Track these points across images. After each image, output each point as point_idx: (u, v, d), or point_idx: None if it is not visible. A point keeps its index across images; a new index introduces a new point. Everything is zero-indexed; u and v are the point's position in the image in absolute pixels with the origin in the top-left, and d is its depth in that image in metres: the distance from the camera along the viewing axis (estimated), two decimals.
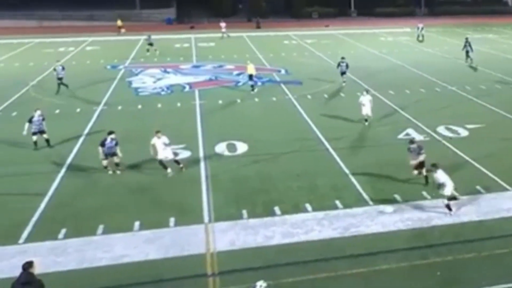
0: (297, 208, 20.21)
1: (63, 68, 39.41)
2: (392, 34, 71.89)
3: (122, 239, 17.99)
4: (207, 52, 57.97)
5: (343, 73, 40.63)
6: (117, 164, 23.67)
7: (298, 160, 25.20)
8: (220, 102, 35.85)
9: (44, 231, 18.60)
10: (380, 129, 29.81)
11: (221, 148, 26.68)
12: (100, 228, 18.64)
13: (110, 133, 23.71)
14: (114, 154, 23.51)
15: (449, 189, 19.35)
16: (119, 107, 34.57)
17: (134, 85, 41.46)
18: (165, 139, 23.30)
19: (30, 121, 26.79)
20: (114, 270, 16.28)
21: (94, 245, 17.62)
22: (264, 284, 13.17)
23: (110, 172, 23.53)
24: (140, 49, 58.48)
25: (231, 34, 69.28)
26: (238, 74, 45.15)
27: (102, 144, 23.39)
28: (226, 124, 30.81)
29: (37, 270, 13.36)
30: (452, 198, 19.56)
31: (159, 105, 34.94)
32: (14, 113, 33.60)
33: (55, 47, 59.87)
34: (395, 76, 44.09)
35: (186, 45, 62.60)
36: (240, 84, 41.66)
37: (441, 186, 19.38)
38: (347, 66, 40.68)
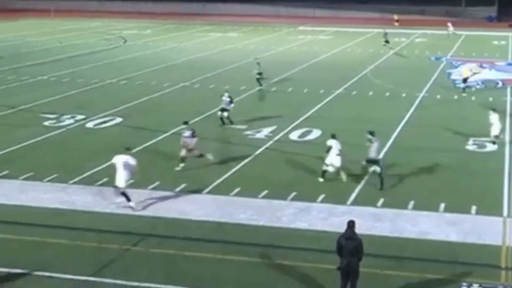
0: None
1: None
2: None
3: (428, 217, 17.56)
4: None
5: None
6: None
7: None
8: None
9: (367, 198, 18.89)
10: None
11: None
12: (411, 203, 18.40)
13: None
14: None
15: None
16: (438, 96, 33.89)
17: (453, 76, 40.01)
18: None
19: None
20: (418, 244, 15.91)
21: (404, 218, 17.47)
22: None
23: None
24: (461, 44, 56.44)
25: None
26: None
27: None
28: None
29: (357, 229, 13.26)
30: None
31: (473, 98, 33.58)
32: (354, 92, 34.73)
33: (392, 37, 59.99)
34: None
35: (503, 42, 58.84)
36: None
37: None
38: None
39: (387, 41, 51.29)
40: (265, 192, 19.31)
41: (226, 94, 27.15)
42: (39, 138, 25.17)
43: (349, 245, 12.77)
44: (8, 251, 15.35)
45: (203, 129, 26.92)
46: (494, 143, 24.55)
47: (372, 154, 20.19)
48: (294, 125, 27.22)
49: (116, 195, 18.44)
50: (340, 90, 35.17)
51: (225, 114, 27.15)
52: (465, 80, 34.97)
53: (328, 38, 60.34)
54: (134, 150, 23.23)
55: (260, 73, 35.96)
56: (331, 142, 20.65)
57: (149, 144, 24.60)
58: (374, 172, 20.32)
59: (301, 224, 17.11)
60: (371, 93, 34.30)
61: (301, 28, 69.02)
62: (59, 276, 14.07)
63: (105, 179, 20.29)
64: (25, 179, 20.41)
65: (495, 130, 24.42)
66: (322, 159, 20.75)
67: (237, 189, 19.52)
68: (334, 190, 19.53)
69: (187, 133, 21.86)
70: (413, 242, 16.06)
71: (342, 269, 12.84)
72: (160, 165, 22.10)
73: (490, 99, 32.88)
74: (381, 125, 26.44)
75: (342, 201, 18.69)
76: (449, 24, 61.42)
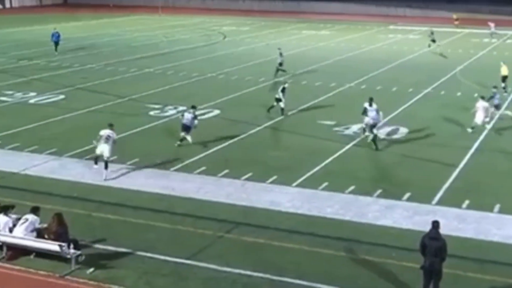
0: None
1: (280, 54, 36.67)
2: None
3: None
4: None
5: None
6: None
7: None
8: None
9: (452, 199, 18.25)
10: None
11: None
12: (497, 207, 17.61)
13: None
14: None
15: None
16: None
17: None
18: None
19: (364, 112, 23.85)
20: (503, 248, 15.24)
21: (489, 221, 16.75)
22: None
23: None
24: None
25: None
26: None
27: None
28: None
29: (441, 230, 12.72)
30: None
31: None
32: (442, 92, 33.72)
33: (481, 38, 57.75)
34: None
35: None
36: None
37: None
38: None
39: (433, 40, 49.20)
40: (352, 187, 19.09)
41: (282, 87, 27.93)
42: (144, 127, 25.96)
43: (433, 245, 12.44)
44: (115, 231, 15.95)
45: (293, 123, 27.02)
46: (473, 128, 25.01)
47: (371, 121, 23.29)
48: (382, 122, 26.69)
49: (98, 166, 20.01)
50: (429, 89, 34.19)
51: (281, 104, 27.59)
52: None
53: (418, 37, 58.70)
54: (228, 142, 23.69)
55: (280, 64, 36.58)
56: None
57: (244, 136, 24.83)
58: (372, 137, 23.08)
59: (386, 221, 16.80)
60: (459, 93, 33.15)
61: (391, 27, 67.54)
62: (159, 258, 14.49)
63: (203, 168, 20.68)
64: (131, 164, 21.10)
65: (479, 118, 24.73)
66: (409, 157, 20.31)
67: (325, 184, 19.39)
68: (420, 189, 19.03)
69: (189, 115, 23.05)
70: (498, 246, 15.41)
71: (425, 269, 12.53)
72: (253, 157, 22.26)
73: None
74: (468, 126, 25.55)
75: (427, 200, 18.17)
76: (491, 24, 58.23)
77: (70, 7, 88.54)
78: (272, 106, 27.86)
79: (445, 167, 21.09)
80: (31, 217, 14.72)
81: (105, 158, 19.66)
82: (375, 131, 23.37)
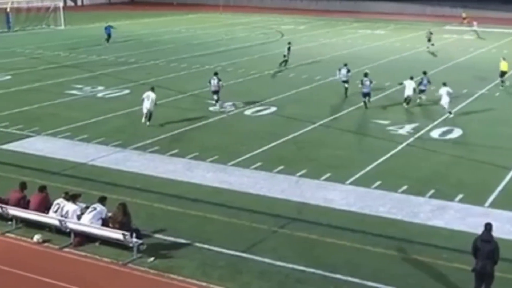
0: None
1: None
2: None
3: None
4: None
5: None
6: None
7: None
8: None
9: (505, 201, 17.66)
10: None
11: None
12: None
13: None
14: None
15: None
16: None
17: None
18: None
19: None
20: None
21: None
22: None
23: None
24: None
25: None
26: None
27: None
28: None
29: (493, 232, 12.37)
30: None
31: None
32: (497, 94, 32.75)
33: None
34: None
35: None
36: None
37: None
38: None
39: (429, 40, 48.26)
40: (404, 187, 18.74)
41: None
42: (204, 122, 26.19)
43: (485, 247, 12.09)
44: (175, 222, 16.15)
45: (347, 121, 26.72)
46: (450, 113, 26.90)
47: (365, 89, 28.32)
48: (436, 123, 26.15)
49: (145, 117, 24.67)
50: (483, 90, 33.21)
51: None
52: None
53: (473, 38, 57.11)
54: (284, 139, 23.64)
55: (285, 56, 38.97)
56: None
57: (298, 134, 24.70)
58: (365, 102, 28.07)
59: (438, 221, 16.42)
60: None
61: (446, 27, 65.87)
62: (216, 249, 14.61)
63: (258, 163, 20.71)
64: (191, 158, 21.32)
65: (444, 101, 26.76)
66: (463, 158, 19.76)
67: (378, 182, 19.11)
68: (473, 191, 18.52)
69: (215, 81, 28.12)
70: None
71: (477, 272, 12.20)
72: (307, 154, 22.15)
73: None
74: None
75: (480, 202, 17.68)
76: (474, 22, 58.85)
77: (137, 5, 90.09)
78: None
79: (499, 169, 20.47)
80: (99, 206, 15.07)
81: (149, 111, 24.88)
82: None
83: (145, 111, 24.96)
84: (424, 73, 29.93)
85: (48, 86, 32.99)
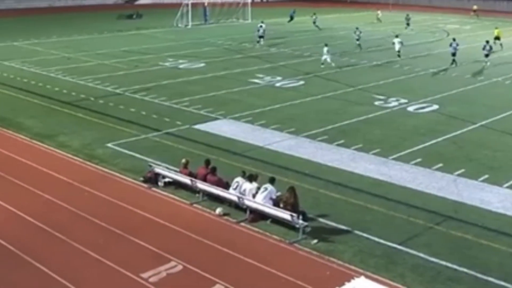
0: None
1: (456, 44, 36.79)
2: None
3: None
4: None
5: None
6: None
7: None
8: None
9: None
10: None
11: None
12: None
13: None
14: None
15: None
16: None
17: None
18: None
19: None
20: None
21: None
22: None
23: None
24: None
25: None
26: None
27: None
28: None
29: None
30: None
31: None
32: None
33: None
34: None
35: None
36: None
37: None
38: None
39: (408, 24, 52.00)
40: None
41: None
42: (369, 116, 25.55)
43: None
44: (337, 209, 16.02)
45: (508, 123, 24.49)
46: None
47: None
48: None
49: None
50: None
51: None
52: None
53: None
54: (444, 137, 22.29)
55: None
56: None
57: (459, 133, 23.15)
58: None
59: None
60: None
61: None
62: (374, 239, 14.24)
63: (418, 159, 19.79)
64: (356, 149, 20.95)
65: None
66: None
67: None
68: None
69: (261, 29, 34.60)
70: None
71: None
72: (466, 154, 20.68)
73: None
74: None
75: None
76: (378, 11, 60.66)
77: (311, 2, 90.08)
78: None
79: None
80: (269, 187, 15.40)
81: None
82: None
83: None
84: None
85: (234, 74, 34.30)
